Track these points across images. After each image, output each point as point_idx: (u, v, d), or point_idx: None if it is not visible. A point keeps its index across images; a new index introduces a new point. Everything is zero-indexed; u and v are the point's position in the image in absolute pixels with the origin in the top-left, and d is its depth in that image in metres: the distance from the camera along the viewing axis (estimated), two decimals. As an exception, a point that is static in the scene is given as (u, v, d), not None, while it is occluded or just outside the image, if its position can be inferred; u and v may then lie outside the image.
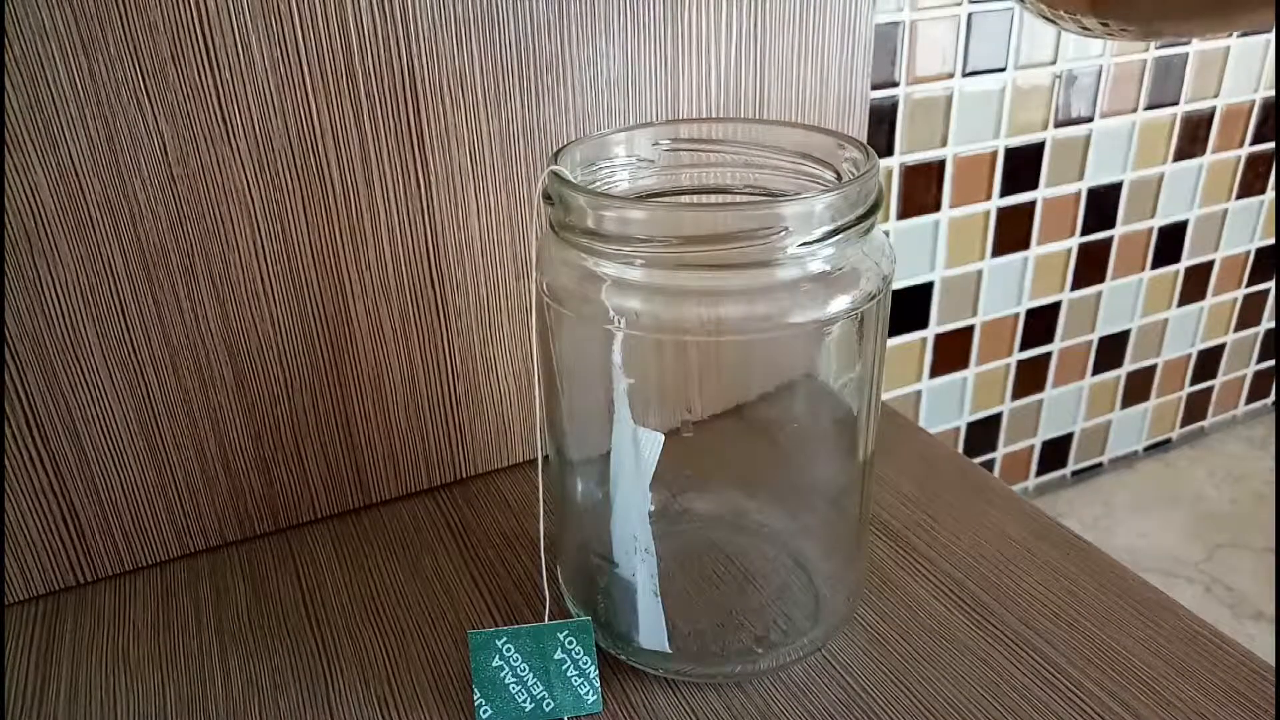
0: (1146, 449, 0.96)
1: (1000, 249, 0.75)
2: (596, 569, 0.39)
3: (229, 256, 0.43)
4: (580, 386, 0.36)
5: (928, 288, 0.74)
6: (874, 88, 0.64)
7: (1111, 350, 0.87)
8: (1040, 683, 0.38)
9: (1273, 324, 0.97)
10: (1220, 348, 0.95)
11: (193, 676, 0.40)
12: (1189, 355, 0.93)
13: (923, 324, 0.75)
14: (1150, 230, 0.83)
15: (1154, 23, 0.28)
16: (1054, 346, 0.83)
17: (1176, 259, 0.86)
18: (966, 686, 0.38)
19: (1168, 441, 0.97)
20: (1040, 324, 0.81)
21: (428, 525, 0.49)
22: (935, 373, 0.78)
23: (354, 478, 0.50)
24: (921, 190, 0.69)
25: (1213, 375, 0.96)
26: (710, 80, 0.49)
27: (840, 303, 0.33)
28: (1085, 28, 0.30)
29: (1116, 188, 0.79)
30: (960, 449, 0.83)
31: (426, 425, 0.50)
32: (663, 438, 0.33)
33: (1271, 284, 0.94)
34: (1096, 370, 0.87)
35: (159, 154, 0.40)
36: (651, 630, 0.36)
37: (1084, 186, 0.77)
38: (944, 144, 0.69)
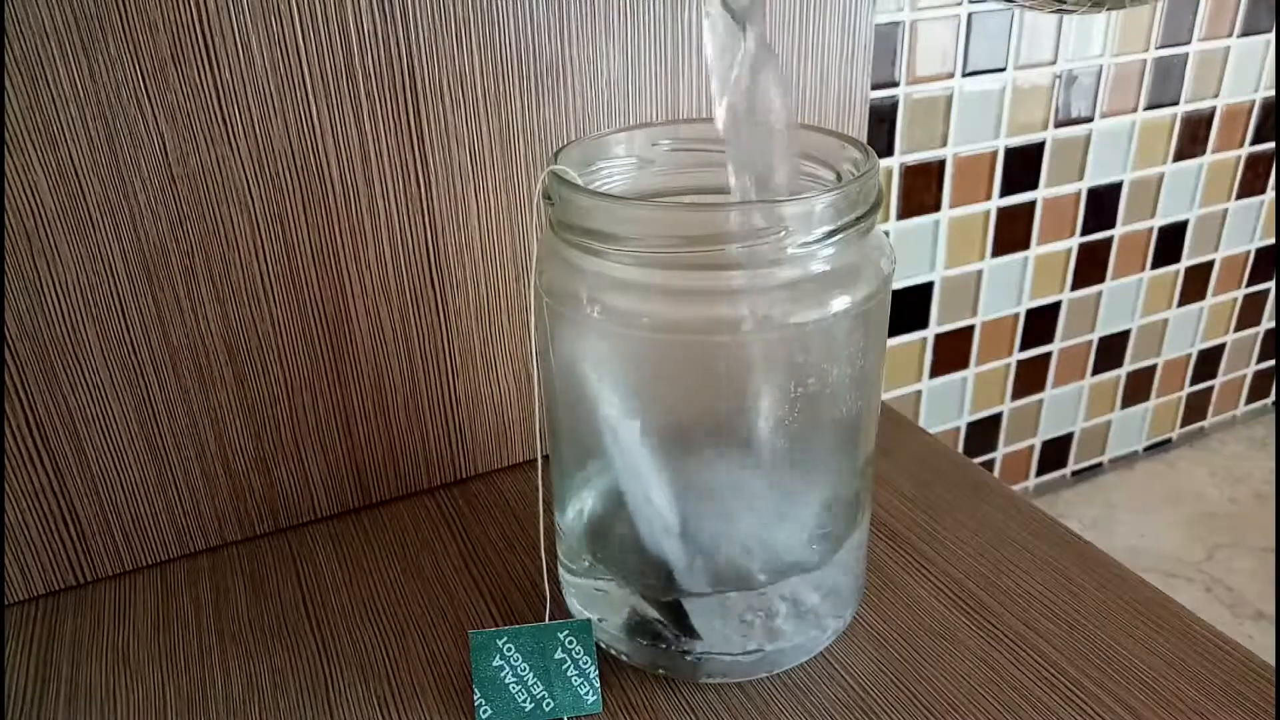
0: (1146, 449, 0.96)
1: (1000, 249, 0.75)
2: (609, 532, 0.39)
3: (229, 256, 0.43)
4: (579, 386, 0.36)
5: (928, 288, 0.74)
6: (874, 88, 0.64)
7: (1111, 350, 0.87)
8: (1040, 683, 0.38)
9: (1273, 324, 0.97)
10: (1220, 348, 0.95)
11: (193, 676, 0.40)
12: (1189, 355, 0.93)
13: (923, 324, 0.75)
14: (1150, 230, 0.83)
15: None
16: (1054, 346, 0.83)
17: (1176, 259, 0.86)
18: (966, 686, 0.38)
19: (1168, 441, 0.97)
20: (1040, 324, 0.81)
21: (428, 525, 0.49)
22: (935, 373, 0.78)
23: (354, 478, 0.50)
24: (921, 190, 0.69)
25: (1213, 375, 0.96)
26: (710, 80, 0.49)
27: (840, 303, 0.33)
28: None
29: (1116, 188, 0.79)
30: (960, 449, 0.83)
31: (426, 425, 0.50)
32: (638, 423, 0.33)
33: (1271, 284, 0.94)
34: (1096, 370, 0.87)
35: (159, 154, 0.40)
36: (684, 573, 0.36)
37: (1084, 186, 0.77)
38: (944, 144, 0.69)
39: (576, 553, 0.40)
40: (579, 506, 0.39)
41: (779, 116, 0.33)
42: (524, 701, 0.37)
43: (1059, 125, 0.73)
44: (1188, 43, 0.75)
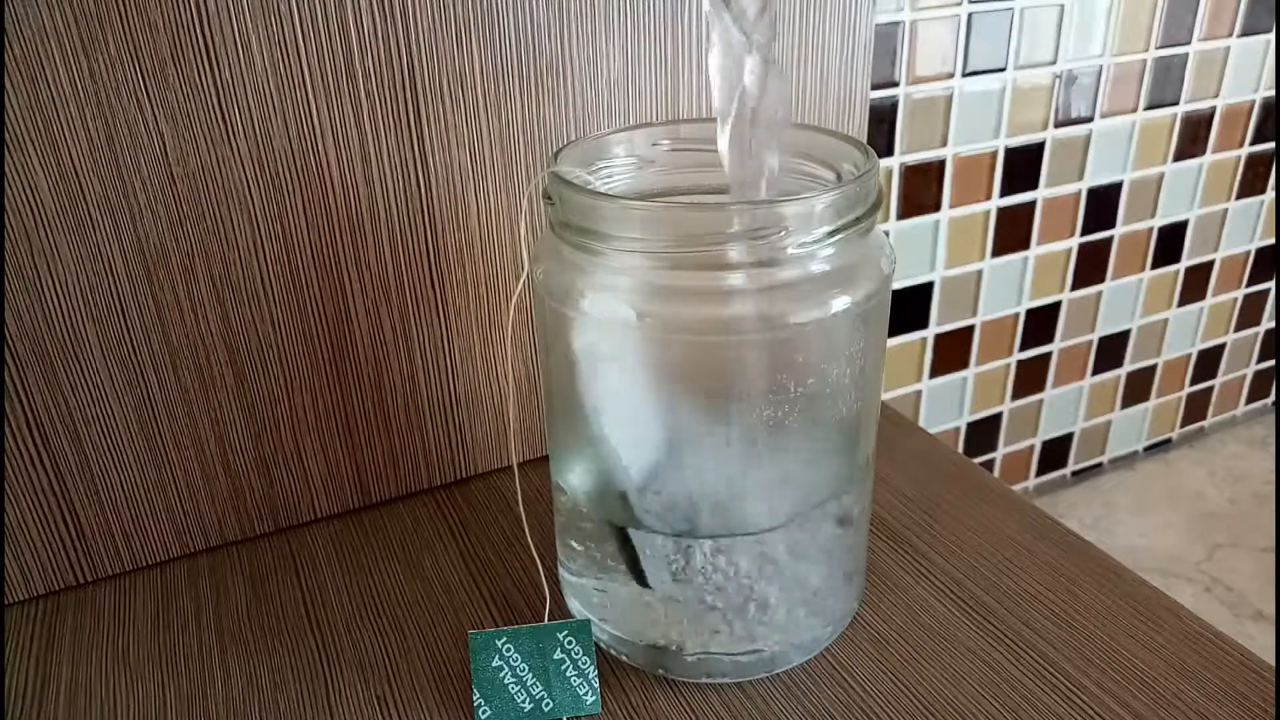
0: (1146, 449, 0.96)
1: (1000, 249, 0.75)
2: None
3: (229, 256, 0.43)
4: (578, 384, 0.36)
5: (928, 288, 0.74)
6: (874, 88, 0.64)
7: (1111, 350, 0.87)
8: (1040, 683, 0.38)
9: (1273, 324, 0.97)
10: (1220, 348, 0.95)
11: (193, 676, 0.40)
12: (1189, 355, 0.93)
13: (923, 324, 0.75)
14: (1150, 230, 0.83)
15: None
16: (1054, 346, 0.83)
17: (1176, 259, 0.86)
18: (966, 686, 0.38)
19: (1168, 441, 0.97)
20: (1040, 324, 0.81)
21: (428, 525, 0.49)
22: (935, 373, 0.78)
23: (354, 478, 0.50)
24: (921, 190, 0.69)
25: (1213, 375, 0.96)
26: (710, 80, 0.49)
27: (840, 303, 0.33)
28: None
29: (1116, 188, 0.79)
30: (960, 449, 0.83)
31: (426, 425, 0.50)
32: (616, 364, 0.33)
33: (1271, 284, 0.94)
34: (1096, 370, 0.87)
35: (159, 154, 0.40)
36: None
37: (1084, 186, 0.77)
38: (944, 144, 0.69)
39: (580, 560, 0.40)
40: (576, 504, 0.39)
41: (779, 124, 0.33)
42: (523, 702, 0.37)
43: (1059, 125, 0.73)
44: (1188, 43, 0.75)
